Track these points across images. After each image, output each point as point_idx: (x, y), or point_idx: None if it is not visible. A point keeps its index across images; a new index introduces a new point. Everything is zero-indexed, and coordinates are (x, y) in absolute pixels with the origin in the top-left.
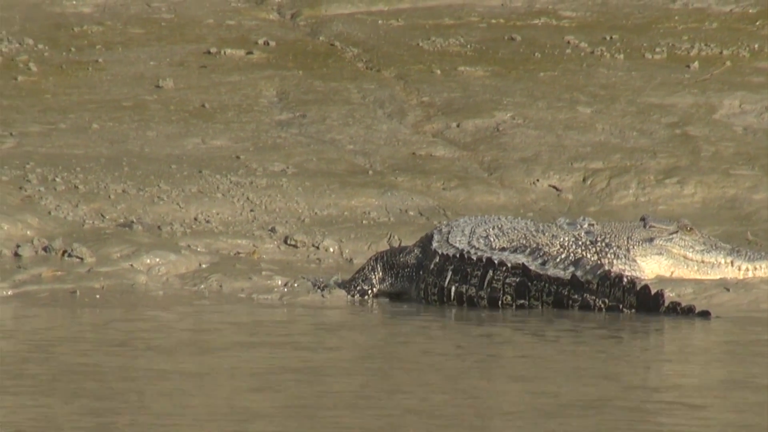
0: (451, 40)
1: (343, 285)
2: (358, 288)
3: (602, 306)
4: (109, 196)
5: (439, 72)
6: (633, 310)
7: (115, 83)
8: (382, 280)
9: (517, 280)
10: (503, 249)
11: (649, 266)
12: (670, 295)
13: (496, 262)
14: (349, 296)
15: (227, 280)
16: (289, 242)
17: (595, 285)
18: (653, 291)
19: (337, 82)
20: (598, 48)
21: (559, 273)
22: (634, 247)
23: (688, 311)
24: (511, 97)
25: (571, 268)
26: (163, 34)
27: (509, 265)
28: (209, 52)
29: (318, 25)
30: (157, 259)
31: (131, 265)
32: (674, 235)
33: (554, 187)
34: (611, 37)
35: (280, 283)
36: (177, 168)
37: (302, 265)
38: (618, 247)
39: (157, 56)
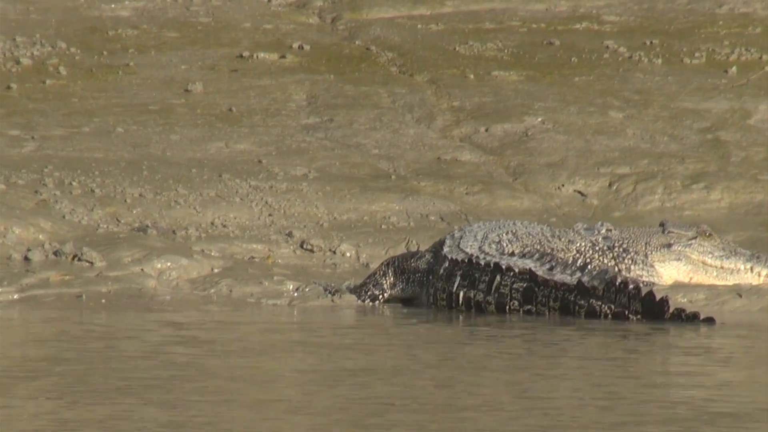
0: (488, 45)
1: (354, 290)
2: (368, 293)
3: (608, 312)
4: (126, 200)
5: (472, 76)
6: (638, 317)
7: (143, 87)
8: (393, 286)
9: (524, 285)
10: (512, 254)
11: (668, 272)
12: (681, 301)
13: (503, 267)
14: (359, 301)
15: (237, 284)
16: (305, 247)
17: (600, 291)
18: (658, 297)
19: (368, 86)
20: (636, 53)
21: (566, 278)
22: (652, 253)
23: (693, 318)
24: (543, 102)
25: (578, 274)
26: (198, 38)
27: (516, 270)
28: (242, 56)
29: (356, 29)
30: (168, 264)
31: (142, 269)
32: (693, 241)
33: (579, 192)
34: (651, 42)
35: (291, 288)
36: (197, 172)
37: (317, 270)
38: (636, 252)
39: (190, 60)
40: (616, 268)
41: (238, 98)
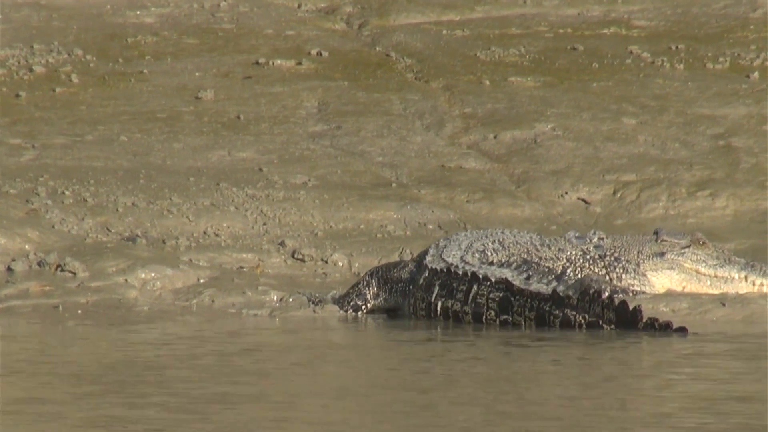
0: (511, 50)
1: (338, 300)
2: (351, 303)
3: (582, 322)
4: (117, 210)
5: (488, 82)
6: (612, 326)
7: (154, 94)
8: (376, 296)
9: (501, 295)
10: (492, 263)
11: (660, 281)
12: (664, 310)
13: (480, 276)
14: (342, 311)
15: (220, 295)
16: (296, 256)
17: (575, 300)
18: (631, 307)
19: (380, 93)
20: (659, 58)
21: (542, 288)
22: (644, 262)
23: (666, 327)
24: (556, 108)
25: (554, 283)
26: (217, 45)
27: (493, 279)
28: (258, 63)
29: (380, 35)
30: (153, 274)
31: (125, 279)
32: (686, 250)
33: (583, 199)
34: (677, 47)
35: (275, 298)
36: (194, 180)
37: (307, 280)
38: (627, 261)
39: (205, 67)
40: (608, 277)
41: (248, 106)
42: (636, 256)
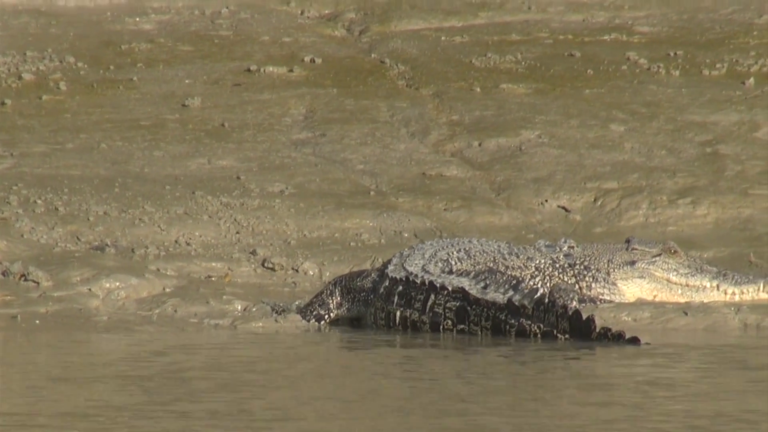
0: (507, 57)
1: (300, 310)
2: (314, 313)
3: (537, 331)
4: (89, 218)
5: (479, 89)
6: (566, 336)
7: (141, 102)
8: (339, 305)
9: (458, 304)
10: (459, 272)
11: (630, 290)
12: (625, 320)
13: (437, 285)
14: (305, 321)
15: (184, 304)
16: (266, 265)
17: (530, 310)
18: (585, 316)
19: (369, 100)
20: (655, 64)
21: (498, 297)
22: (614, 270)
23: (618, 337)
24: (545, 115)
25: (511, 293)
26: (211, 52)
27: (450, 289)
28: (249, 70)
29: (377, 41)
30: (117, 283)
31: (89, 289)
32: (657, 258)
33: (563, 207)
34: (675, 53)
35: (239, 307)
36: (170, 189)
37: (276, 289)
38: (597, 270)
39: (196, 74)
40: (577, 286)
41: (234, 113)
42: (606, 265)
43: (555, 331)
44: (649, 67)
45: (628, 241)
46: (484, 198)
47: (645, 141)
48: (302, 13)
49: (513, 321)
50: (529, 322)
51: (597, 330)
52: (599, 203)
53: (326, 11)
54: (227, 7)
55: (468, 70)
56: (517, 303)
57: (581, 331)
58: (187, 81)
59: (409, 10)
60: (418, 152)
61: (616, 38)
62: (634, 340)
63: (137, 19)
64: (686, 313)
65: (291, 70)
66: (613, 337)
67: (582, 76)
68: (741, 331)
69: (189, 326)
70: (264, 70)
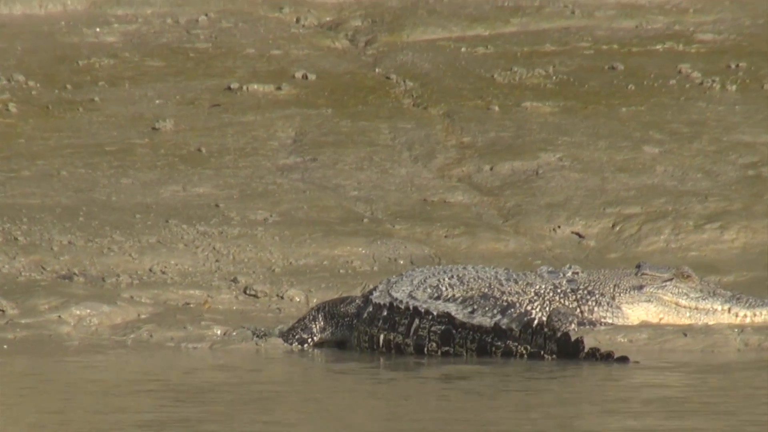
0: (536, 71)
1: (283, 334)
2: (296, 337)
3: (524, 352)
4: (52, 248)
5: (497, 108)
6: (554, 357)
7: (105, 125)
8: (323, 330)
9: (443, 328)
10: (439, 298)
11: (636, 313)
12: (621, 341)
13: (422, 311)
14: (287, 344)
15: (159, 329)
16: (248, 292)
17: (517, 332)
18: (573, 338)
19: (368, 120)
20: (710, 78)
21: (485, 321)
22: (620, 294)
23: (607, 357)
24: (569, 137)
25: (499, 317)
26: (186, 68)
27: (435, 313)
28: (230, 88)
29: (384, 54)
30: (88, 311)
31: (59, 316)
32: (668, 283)
33: (577, 233)
34: (736, 65)
35: (218, 332)
36: (141, 218)
37: (259, 315)
38: (601, 294)
39: (167, 93)
40: (578, 310)
41: (212, 137)
42: (612, 290)
43: (542, 352)
44: (702, 81)
45: (638, 267)
46: (489, 224)
47: (680, 164)
48: (297, 21)
49: (499, 343)
50: (516, 344)
51: (585, 350)
52: (617, 229)
53: (327, 18)
54: (206, 15)
55: (487, 86)
56: (504, 326)
57: (569, 351)
58: (157, 101)
59: (426, 16)
60: (420, 177)
61: (670, 48)
62: (623, 360)
63: (98, 29)
64: (686, 334)
65: (279, 88)
66: (602, 357)
67: (621, 92)
68: (740, 353)
69: (164, 350)
70: (247, 89)
